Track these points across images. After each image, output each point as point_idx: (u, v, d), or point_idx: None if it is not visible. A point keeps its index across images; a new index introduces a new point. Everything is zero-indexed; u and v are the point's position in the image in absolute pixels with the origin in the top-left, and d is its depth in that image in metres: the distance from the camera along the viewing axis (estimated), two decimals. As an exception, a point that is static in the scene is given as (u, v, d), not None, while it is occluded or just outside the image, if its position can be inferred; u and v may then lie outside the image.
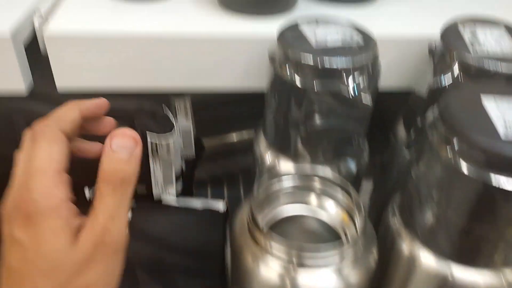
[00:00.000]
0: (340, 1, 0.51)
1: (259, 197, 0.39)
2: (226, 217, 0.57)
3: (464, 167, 0.30)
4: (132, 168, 0.29)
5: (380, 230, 0.41)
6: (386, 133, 0.50)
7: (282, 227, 0.40)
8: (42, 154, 0.28)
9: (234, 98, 0.66)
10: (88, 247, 0.27)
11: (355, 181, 0.44)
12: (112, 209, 0.28)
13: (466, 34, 0.41)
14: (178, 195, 0.50)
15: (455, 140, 0.31)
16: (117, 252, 0.28)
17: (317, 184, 0.41)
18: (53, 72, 0.44)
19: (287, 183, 0.41)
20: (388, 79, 0.47)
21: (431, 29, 0.44)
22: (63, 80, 0.44)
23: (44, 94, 0.46)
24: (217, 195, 0.69)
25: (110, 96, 0.46)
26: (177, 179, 0.49)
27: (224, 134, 0.70)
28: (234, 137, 0.70)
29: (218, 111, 0.66)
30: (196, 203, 0.50)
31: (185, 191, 0.52)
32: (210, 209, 0.58)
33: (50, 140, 0.29)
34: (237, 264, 0.37)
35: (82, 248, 0.27)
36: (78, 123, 0.32)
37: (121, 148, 0.29)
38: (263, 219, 0.40)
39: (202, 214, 0.56)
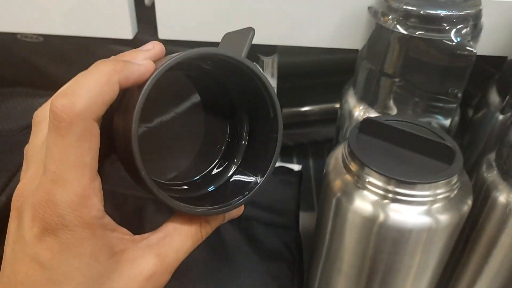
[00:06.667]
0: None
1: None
2: (301, 179, 0.58)
3: None
4: None
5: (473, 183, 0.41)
6: (475, 96, 0.49)
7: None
8: (72, 157, 0.22)
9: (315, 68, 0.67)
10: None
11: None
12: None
13: None
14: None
15: None
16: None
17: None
18: (157, 19, 0.46)
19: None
20: (486, 44, 0.46)
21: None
22: (166, 28, 0.47)
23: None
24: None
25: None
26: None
27: (298, 105, 0.71)
28: (306, 108, 0.71)
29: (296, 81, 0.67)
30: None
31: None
32: (286, 168, 0.59)
33: (81, 135, 0.22)
34: (327, 199, 0.37)
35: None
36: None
37: None
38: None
39: (279, 173, 0.58)
